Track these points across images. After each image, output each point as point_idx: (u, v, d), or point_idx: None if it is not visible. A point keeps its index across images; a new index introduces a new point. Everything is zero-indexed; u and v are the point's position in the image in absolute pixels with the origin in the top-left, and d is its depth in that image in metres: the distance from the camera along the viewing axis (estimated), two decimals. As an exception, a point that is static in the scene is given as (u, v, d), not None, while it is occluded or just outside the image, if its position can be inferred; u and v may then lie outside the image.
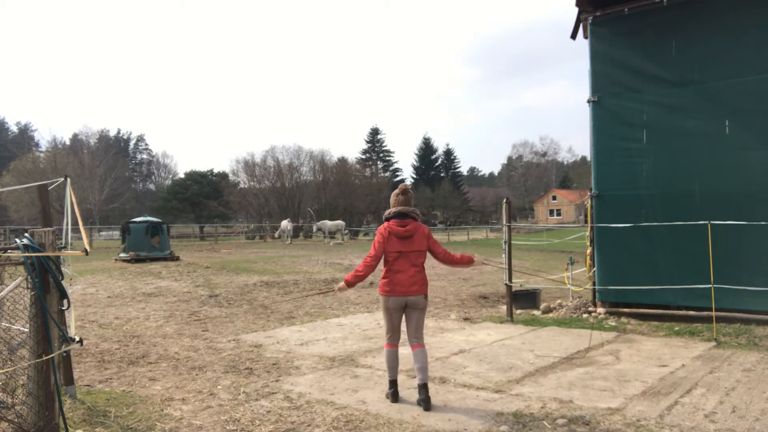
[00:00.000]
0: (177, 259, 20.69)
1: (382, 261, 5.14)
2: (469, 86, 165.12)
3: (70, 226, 5.48)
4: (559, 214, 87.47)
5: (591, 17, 9.38)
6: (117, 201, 63.12)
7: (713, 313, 7.70)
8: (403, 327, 5.24)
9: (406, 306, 5.08)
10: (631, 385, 5.47)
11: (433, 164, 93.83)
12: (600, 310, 9.26)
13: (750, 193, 8.20)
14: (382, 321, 9.20)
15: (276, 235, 39.30)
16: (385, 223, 5.13)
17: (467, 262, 5.23)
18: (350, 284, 5.11)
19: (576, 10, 9.60)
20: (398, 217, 5.08)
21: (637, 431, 4.29)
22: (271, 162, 62.55)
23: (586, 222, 10.10)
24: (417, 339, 5.11)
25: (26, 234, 3.97)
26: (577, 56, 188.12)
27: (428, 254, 5.20)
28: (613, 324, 8.63)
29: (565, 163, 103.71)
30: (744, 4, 8.43)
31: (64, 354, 4.85)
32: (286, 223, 38.40)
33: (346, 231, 39.80)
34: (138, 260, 19.67)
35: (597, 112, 9.36)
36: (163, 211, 64.70)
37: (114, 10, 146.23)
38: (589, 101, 9.44)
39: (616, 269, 9.11)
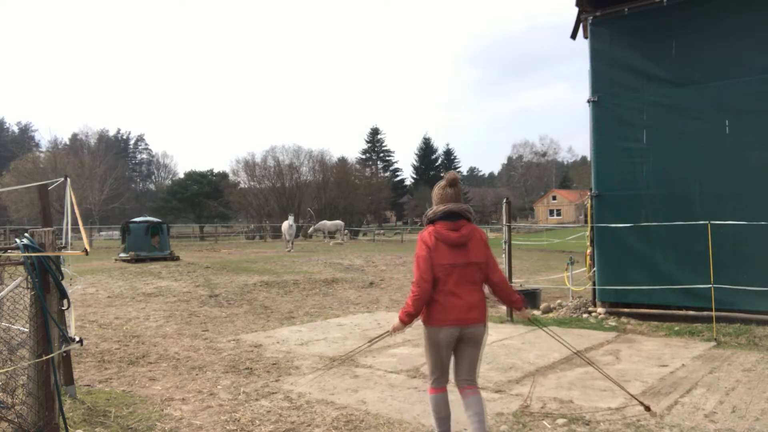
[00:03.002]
0: (177, 259, 20.66)
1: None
2: (469, 86, 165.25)
3: (70, 226, 5.49)
4: (559, 214, 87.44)
5: (591, 17, 9.39)
6: (117, 201, 63.10)
7: (713, 313, 7.70)
8: None
9: (459, 339, 3.78)
10: (631, 385, 5.46)
11: (433, 164, 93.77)
12: (600, 310, 9.26)
13: (750, 193, 8.20)
14: (383, 321, 9.26)
15: (286, 240, 29.62)
16: (430, 227, 3.83)
17: (517, 301, 4.05)
18: (405, 323, 3.81)
19: (576, 10, 9.61)
20: (448, 218, 3.79)
21: (637, 431, 4.30)
22: (271, 162, 62.63)
23: (586, 222, 10.11)
24: (469, 380, 3.85)
25: (26, 234, 3.97)
26: (577, 56, 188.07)
27: None
28: (613, 324, 8.63)
29: (565, 163, 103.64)
30: (743, 5, 8.43)
31: (64, 354, 4.85)
32: (291, 224, 29.40)
33: (346, 231, 39.61)
34: (138, 260, 19.64)
35: (597, 112, 9.36)
36: (163, 211, 64.79)
37: (114, 9, 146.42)
38: (589, 101, 9.44)
39: (616, 269, 9.12)
